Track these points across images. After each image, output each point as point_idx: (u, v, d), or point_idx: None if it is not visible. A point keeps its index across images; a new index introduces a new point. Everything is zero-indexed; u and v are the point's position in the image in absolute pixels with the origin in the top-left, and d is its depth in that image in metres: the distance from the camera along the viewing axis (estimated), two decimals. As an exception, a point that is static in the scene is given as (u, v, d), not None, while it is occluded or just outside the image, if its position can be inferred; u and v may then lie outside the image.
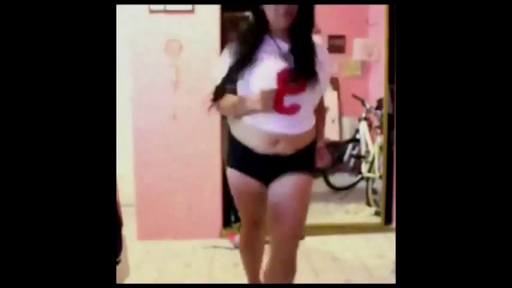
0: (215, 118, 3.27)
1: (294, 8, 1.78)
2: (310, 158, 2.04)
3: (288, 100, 1.82)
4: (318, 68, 1.85)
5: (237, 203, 2.14)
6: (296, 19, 1.80)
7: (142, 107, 3.27)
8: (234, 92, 1.91)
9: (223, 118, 3.34)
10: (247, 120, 1.90)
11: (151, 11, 3.18)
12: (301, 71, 1.82)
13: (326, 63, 1.90)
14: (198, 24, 3.21)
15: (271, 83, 1.80)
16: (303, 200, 1.98)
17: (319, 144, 2.13)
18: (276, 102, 1.80)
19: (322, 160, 2.13)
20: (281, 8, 1.75)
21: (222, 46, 3.17)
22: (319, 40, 1.97)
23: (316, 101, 1.95)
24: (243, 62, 1.83)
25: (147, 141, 3.29)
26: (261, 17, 1.83)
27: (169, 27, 3.21)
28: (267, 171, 1.95)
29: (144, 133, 3.28)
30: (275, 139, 1.87)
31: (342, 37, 4.80)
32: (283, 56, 1.83)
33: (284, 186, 1.94)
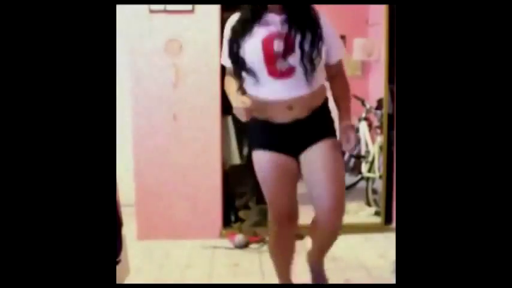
0: (215, 118, 3.28)
1: None
2: (328, 121, 2.05)
3: (282, 64, 1.87)
4: (320, 31, 1.89)
5: (267, 189, 2.00)
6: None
7: (142, 107, 3.26)
8: (235, 72, 1.97)
9: (223, 118, 3.36)
10: (256, 93, 1.94)
11: (151, 11, 3.17)
12: (288, 32, 1.87)
13: (327, 37, 1.94)
14: (198, 24, 3.20)
15: (259, 52, 1.87)
16: (337, 167, 1.99)
17: (344, 122, 1.99)
18: (269, 68, 1.87)
19: (349, 142, 1.94)
20: None
21: (222, 46, 3.17)
22: (323, 14, 1.97)
23: (319, 62, 1.92)
24: (238, 37, 1.91)
25: (147, 141, 3.29)
26: None
27: (169, 27, 3.21)
28: (291, 140, 1.97)
29: (144, 133, 3.28)
30: (288, 104, 1.92)
31: (342, 37, 4.78)
32: (272, 24, 1.89)
33: (312, 154, 1.97)
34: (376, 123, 4.01)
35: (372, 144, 4.05)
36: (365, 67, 4.88)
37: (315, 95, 1.98)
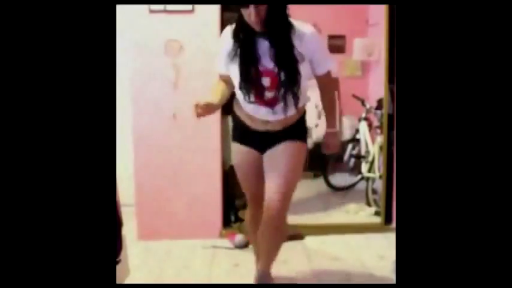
0: (215, 118, 3.27)
1: (263, 12, 1.88)
2: (300, 130, 2.22)
3: (268, 94, 2.03)
4: (299, 57, 1.98)
5: (240, 176, 2.29)
6: (267, 19, 1.91)
7: (142, 107, 3.26)
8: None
9: (223, 118, 3.36)
10: (242, 105, 2.14)
11: (151, 11, 3.17)
12: (273, 67, 1.97)
13: (313, 52, 2.02)
14: (198, 24, 3.20)
15: (249, 84, 2.02)
16: (293, 159, 2.14)
17: (328, 129, 2.25)
18: (256, 97, 2.04)
19: (328, 147, 2.25)
20: (252, 15, 1.87)
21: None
22: (310, 28, 2.02)
23: (301, 89, 2.04)
24: (228, 56, 2.05)
25: (147, 141, 3.28)
26: (241, 20, 1.96)
27: (169, 27, 3.20)
28: (261, 141, 2.18)
29: (144, 133, 3.28)
30: (264, 122, 2.13)
31: (342, 37, 4.81)
32: (262, 53, 1.98)
33: (275, 150, 2.16)
34: (376, 123, 4.01)
35: (371, 144, 4.05)
36: (365, 67, 4.89)
37: (293, 116, 2.14)
